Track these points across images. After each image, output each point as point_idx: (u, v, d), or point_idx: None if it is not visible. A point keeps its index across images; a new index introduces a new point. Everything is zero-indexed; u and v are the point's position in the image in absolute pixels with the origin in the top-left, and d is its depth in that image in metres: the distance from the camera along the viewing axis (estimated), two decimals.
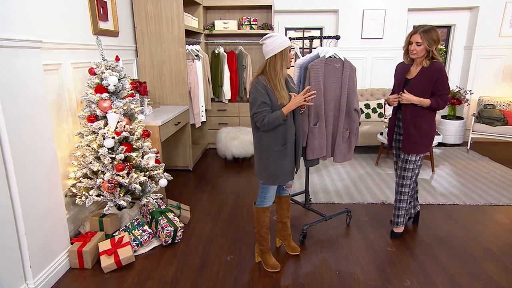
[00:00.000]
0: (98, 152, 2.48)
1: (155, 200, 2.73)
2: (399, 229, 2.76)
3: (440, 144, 5.29)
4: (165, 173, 2.89)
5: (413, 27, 2.46)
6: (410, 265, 2.41)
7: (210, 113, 5.10)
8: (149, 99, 3.66)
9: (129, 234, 2.58)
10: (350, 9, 5.24)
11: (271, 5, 4.87)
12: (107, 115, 2.51)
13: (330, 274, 2.32)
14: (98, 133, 2.51)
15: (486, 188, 3.72)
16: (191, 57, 4.30)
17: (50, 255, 2.22)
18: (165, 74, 4.09)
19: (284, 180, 2.22)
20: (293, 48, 2.19)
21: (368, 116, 5.09)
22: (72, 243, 2.44)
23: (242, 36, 5.19)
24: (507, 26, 5.18)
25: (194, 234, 2.83)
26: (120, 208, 2.81)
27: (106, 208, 2.53)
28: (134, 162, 2.62)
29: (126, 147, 2.55)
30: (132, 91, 2.87)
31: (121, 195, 2.54)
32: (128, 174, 2.54)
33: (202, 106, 4.49)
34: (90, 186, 2.53)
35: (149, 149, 2.82)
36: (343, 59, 2.53)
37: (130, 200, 2.59)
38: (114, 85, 2.55)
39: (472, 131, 4.94)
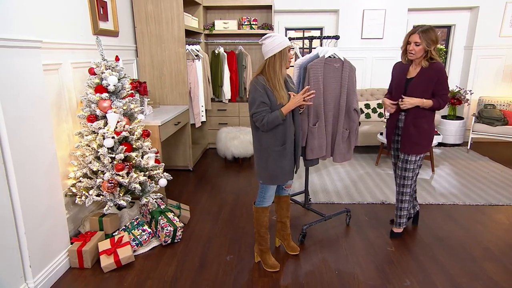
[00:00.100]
0: (98, 152, 2.49)
1: (154, 200, 2.73)
2: (399, 229, 2.77)
3: (440, 144, 5.29)
4: (165, 173, 2.89)
5: (413, 27, 2.44)
6: (409, 265, 2.41)
7: (210, 113, 5.11)
8: (149, 99, 3.67)
9: (129, 233, 2.58)
10: (350, 9, 5.25)
11: (271, 5, 4.87)
12: (107, 115, 2.52)
13: (329, 273, 2.32)
14: (98, 133, 2.52)
15: (486, 188, 3.72)
16: (191, 57, 4.30)
17: (50, 255, 2.23)
18: (165, 74, 4.09)
19: (283, 180, 2.23)
20: (293, 48, 2.19)
21: (368, 116, 5.09)
22: (72, 243, 2.45)
23: (242, 36, 5.19)
24: (507, 26, 5.18)
25: (193, 234, 2.83)
26: (120, 208, 2.82)
27: (106, 207, 2.53)
28: (134, 162, 2.63)
29: (126, 147, 2.55)
30: (132, 91, 2.87)
31: (121, 194, 2.55)
32: (128, 174, 2.54)
33: (202, 106, 4.50)
34: (90, 186, 2.54)
35: (149, 149, 2.82)
36: (342, 59, 2.53)
37: (130, 200, 2.60)
38: (114, 85, 2.55)
39: (472, 131, 4.93)
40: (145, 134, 2.82)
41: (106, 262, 2.33)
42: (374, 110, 5.10)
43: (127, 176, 2.53)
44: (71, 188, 2.60)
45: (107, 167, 2.50)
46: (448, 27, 5.58)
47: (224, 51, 4.99)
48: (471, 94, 5.40)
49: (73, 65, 2.72)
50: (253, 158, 2.30)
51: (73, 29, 2.75)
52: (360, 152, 4.98)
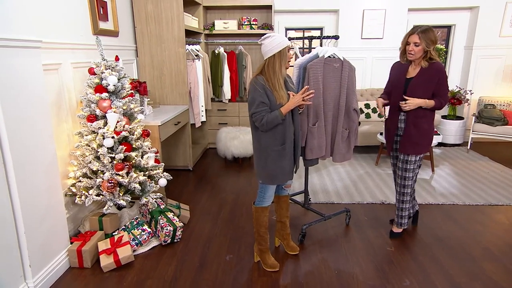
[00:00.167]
0: (98, 151, 2.49)
1: (154, 200, 2.73)
2: (399, 229, 2.77)
3: (440, 144, 5.29)
4: (164, 173, 2.90)
5: (414, 27, 2.44)
6: (409, 265, 2.41)
7: (210, 113, 5.11)
8: (149, 99, 3.67)
9: (129, 233, 2.59)
10: (350, 9, 5.25)
11: (271, 5, 4.87)
12: (106, 114, 2.52)
13: (329, 273, 2.32)
14: (97, 133, 2.52)
15: (486, 188, 3.72)
16: (191, 57, 4.31)
17: (49, 254, 2.23)
18: (165, 74, 4.09)
19: (283, 179, 2.23)
20: (292, 48, 2.19)
21: (368, 116, 5.09)
22: (71, 243, 2.45)
23: (242, 36, 5.19)
24: (507, 26, 5.18)
25: (193, 234, 2.83)
26: (119, 207, 2.82)
27: (106, 207, 2.53)
28: (133, 161, 2.63)
29: (125, 147, 2.56)
30: (132, 91, 2.88)
31: (121, 194, 2.55)
32: (127, 173, 2.55)
33: (202, 106, 4.50)
34: (90, 186, 2.54)
35: (149, 148, 2.83)
36: (342, 59, 2.53)
37: (129, 199, 2.60)
38: (114, 85, 2.56)
39: (472, 131, 4.93)
40: (145, 134, 2.83)
41: (106, 261, 2.34)
42: (374, 110, 5.10)
43: (127, 176, 2.54)
44: (71, 187, 2.60)
45: (107, 167, 2.50)
46: (448, 27, 5.58)
47: (224, 51, 5.00)
48: (471, 94, 5.40)
49: (73, 65, 2.72)
50: (253, 158, 2.30)
51: (73, 29, 2.75)
52: (360, 152, 4.98)
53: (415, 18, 5.39)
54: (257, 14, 5.16)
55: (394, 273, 2.32)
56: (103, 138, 2.49)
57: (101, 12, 3.13)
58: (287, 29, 5.61)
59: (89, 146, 2.55)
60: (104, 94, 2.52)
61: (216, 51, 4.97)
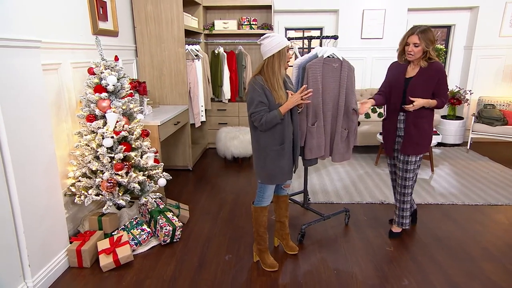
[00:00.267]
0: (97, 151, 2.49)
1: (154, 200, 2.74)
2: (398, 229, 2.77)
3: (440, 144, 5.29)
4: (164, 173, 2.90)
5: (412, 27, 2.44)
6: (408, 264, 2.42)
7: (210, 113, 5.11)
8: (148, 99, 3.67)
9: (128, 233, 2.59)
10: (350, 9, 5.25)
11: (271, 5, 4.87)
12: (106, 114, 2.52)
13: (328, 273, 2.33)
14: (97, 133, 2.52)
15: (486, 188, 3.72)
16: (191, 57, 4.31)
17: (49, 254, 2.23)
18: (165, 74, 4.10)
19: (282, 179, 2.23)
20: (291, 48, 2.20)
21: (367, 116, 5.09)
22: (71, 242, 2.45)
23: (241, 36, 5.19)
24: (507, 26, 5.18)
25: (192, 234, 2.84)
26: (119, 207, 2.82)
27: (105, 207, 2.54)
28: (133, 161, 2.63)
29: (125, 147, 2.56)
30: (131, 91, 2.88)
31: (120, 194, 2.55)
32: (127, 173, 2.55)
33: (202, 106, 4.50)
34: (89, 186, 2.54)
35: (148, 148, 2.83)
36: (341, 59, 2.53)
37: (129, 199, 2.60)
38: (113, 85, 2.56)
39: (472, 131, 4.93)
40: (144, 133, 2.83)
41: (105, 261, 2.34)
42: (373, 110, 5.11)
43: (126, 175, 2.54)
44: (70, 187, 2.61)
45: (106, 166, 2.51)
46: (448, 27, 5.58)
47: (224, 51, 5.00)
48: (470, 94, 5.40)
49: (73, 65, 2.73)
50: (252, 157, 2.30)
51: (73, 29, 2.76)
52: (360, 152, 4.98)
53: (415, 18, 5.39)
54: (256, 14, 5.16)
55: (393, 273, 2.32)
56: (103, 138, 2.50)
57: (101, 12, 3.13)
58: (287, 29, 5.61)
59: (89, 146, 2.55)
60: (104, 94, 2.52)
61: (216, 51, 4.97)
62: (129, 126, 2.65)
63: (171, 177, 2.95)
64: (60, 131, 2.60)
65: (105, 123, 2.54)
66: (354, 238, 2.76)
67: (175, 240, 2.69)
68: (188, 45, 4.27)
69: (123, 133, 2.56)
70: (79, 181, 2.56)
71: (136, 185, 2.58)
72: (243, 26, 5.00)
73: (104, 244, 2.42)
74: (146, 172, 2.74)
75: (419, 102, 2.39)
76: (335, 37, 2.74)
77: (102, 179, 2.49)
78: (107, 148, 2.51)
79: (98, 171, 2.53)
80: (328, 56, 2.48)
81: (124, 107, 2.63)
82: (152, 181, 2.78)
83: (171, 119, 3.56)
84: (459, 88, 5.36)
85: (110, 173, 2.50)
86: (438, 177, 4.05)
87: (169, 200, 3.14)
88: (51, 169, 2.24)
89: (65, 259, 2.37)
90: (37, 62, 2.10)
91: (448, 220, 3.04)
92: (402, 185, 2.63)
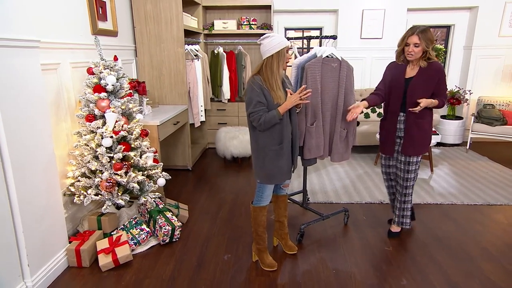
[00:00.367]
0: (96, 151, 2.50)
1: (153, 199, 2.74)
2: (397, 229, 2.77)
3: (439, 144, 5.29)
4: (163, 173, 2.90)
5: (411, 27, 2.44)
6: (407, 264, 2.42)
7: (210, 113, 5.12)
8: (148, 99, 3.67)
9: (127, 233, 2.59)
10: (349, 9, 5.25)
11: (270, 5, 4.87)
12: (105, 114, 2.52)
13: (327, 273, 2.33)
14: (96, 133, 2.53)
15: (485, 188, 3.72)
16: (190, 57, 4.31)
17: (48, 254, 2.24)
18: (164, 74, 4.10)
19: (281, 179, 2.23)
20: (291, 48, 2.20)
21: (367, 116, 5.09)
22: (70, 242, 2.45)
23: (241, 36, 5.19)
24: (506, 26, 5.18)
25: (192, 233, 2.84)
26: (118, 207, 2.82)
27: (104, 207, 2.54)
28: (132, 161, 2.63)
29: (124, 147, 2.56)
30: (130, 91, 2.88)
31: (119, 194, 2.55)
32: (126, 173, 2.55)
33: (201, 105, 4.50)
34: (89, 185, 2.55)
35: (147, 148, 2.83)
36: (340, 58, 2.53)
37: (128, 199, 2.60)
38: (112, 85, 2.56)
39: (472, 131, 4.94)
40: (144, 133, 2.83)
41: (104, 261, 2.34)
42: (373, 110, 5.11)
43: (126, 175, 2.54)
44: (69, 187, 2.61)
45: (105, 166, 2.51)
46: (448, 27, 5.58)
47: (224, 51, 5.00)
48: (470, 94, 5.40)
49: (72, 64, 2.73)
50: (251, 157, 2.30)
51: (72, 29, 2.76)
52: (359, 152, 4.98)
53: (414, 18, 5.39)
54: (256, 14, 5.16)
55: (392, 273, 2.33)
56: (102, 138, 2.50)
57: (100, 12, 3.13)
58: (286, 29, 5.61)
59: (88, 145, 2.55)
60: (103, 94, 2.53)
61: (216, 51, 4.97)
62: (128, 126, 2.65)
63: (170, 177, 2.95)
64: (59, 131, 2.60)
65: (104, 123, 2.54)
66: (353, 238, 2.76)
67: (174, 240, 2.69)
68: (188, 45, 4.27)
69: (122, 133, 2.56)
70: (78, 180, 2.56)
71: (135, 185, 2.58)
72: (243, 26, 5.00)
73: (103, 243, 2.42)
74: (145, 172, 2.74)
75: (426, 102, 2.37)
76: (334, 37, 2.74)
77: (101, 178, 2.49)
78: (106, 148, 2.51)
79: (97, 171, 2.54)
80: (327, 56, 2.49)
81: (123, 107, 2.63)
82: (152, 181, 2.78)
83: (171, 119, 3.56)
84: (459, 88, 5.36)
85: (109, 173, 2.50)
86: (437, 177, 4.06)
87: (169, 200, 3.14)
88: (50, 168, 2.25)
89: (64, 258, 2.37)
90: (36, 62, 2.10)
91: (447, 220, 3.04)
92: (404, 185, 2.63)
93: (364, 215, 3.13)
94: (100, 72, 2.56)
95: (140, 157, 2.73)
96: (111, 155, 2.52)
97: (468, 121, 5.49)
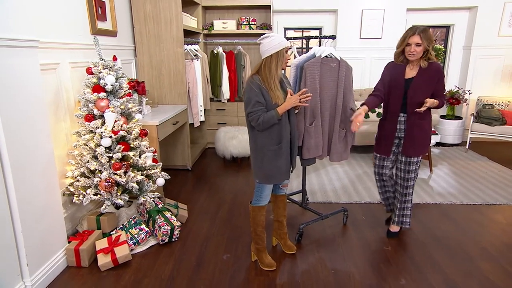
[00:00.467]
0: (96, 151, 2.50)
1: (152, 199, 2.74)
2: (396, 228, 2.77)
3: (438, 144, 5.30)
4: (162, 172, 2.90)
5: (411, 27, 2.44)
6: (405, 264, 2.42)
7: (209, 113, 5.12)
8: (147, 99, 3.67)
9: (126, 232, 2.59)
10: (349, 9, 5.25)
11: (270, 5, 4.88)
12: (104, 114, 2.53)
13: (326, 272, 2.33)
14: (95, 132, 2.53)
15: (484, 188, 3.72)
16: (190, 57, 4.31)
17: (47, 253, 2.24)
18: (164, 74, 4.10)
19: (279, 179, 2.23)
20: (290, 48, 2.20)
21: (366, 116, 5.06)
22: (69, 242, 2.46)
23: (241, 36, 5.20)
24: (506, 26, 5.18)
25: (191, 233, 2.84)
26: (117, 207, 2.83)
27: (104, 206, 2.54)
28: (131, 161, 2.63)
29: (123, 146, 2.56)
30: (130, 91, 2.88)
31: (119, 194, 2.56)
32: (125, 173, 2.55)
33: (201, 105, 4.50)
34: (88, 185, 2.55)
35: (147, 148, 2.83)
36: (339, 58, 2.54)
37: (127, 199, 2.61)
38: (112, 85, 2.56)
39: (471, 131, 4.94)
40: (143, 133, 2.83)
41: (103, 260, 2.34)
42: (372, 110, 5.09)
43: (125, 175, 2.54)
44: (68, 187, 2.61)
45: (104, 166, 2.51)
46: (447, 27, 5.58)
47: (223, 51, 5.00)
48: (469, 94, 5.40)
49: (71, 64, 2.73)
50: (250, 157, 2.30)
51: (72, 29, 2.76)
52: (359, 152, 4.98)
53: (414, 18, 5.39)
54: (255, 14, 5.16)
55: (391, 272, 2.33)
56: (101, 138, 2.50)
57: (100, 12, 3.14)
58: (286, 29, 5.61)
59: (87, 145, 2.55)
60: (102, 94, 2.53)
61: (215, 51, 4.97)
62: (128, 126, 2.65)
63: (169, 177, 2.96)
64: (58, 131, 2.60)
65: (103, 123, 2.55)
66: (352, 237, 2.77)
67: (173, 240, 2.70)
68: (187, 45, 4.27)
69: (122, 133, 2.56)
70: (78, 180, 2.57)
71: (135, 185, 2.58)
72: (242, 26, 5.00)
73: (102, 243, 2.42)
74: (144, 172, 2.74)
75: (431, 102, 2.36)
76: (333, 37, 2.75)
77: (100, 178, 2.49)
78: (105, 147, 2.51)
79: (97, 170, 2.54)
80: (326, 56, 2.49)
81: (122, 107, 2.63)
82: (151, 181, 2.78)
83: (170, 119, 3.56)
84: (458, 88, 5.37)
85: (109, 173, 2.50)
86: (436, 176, 4.06)
87: (168, 199, 3.14)
88: (50, 168, 2.25)
89: (63, 258, 2.37)
90: (35, 62, 2.10)
91: (446, 220, 3.04)
92: (405, 185, 2.62)
93: (363, 215, 3.13)
94: (99, 72, 2.56)
95: (139, 157, 2.74)
96: (110, 155, 2.52)
97: (467, 121, 5.49)
